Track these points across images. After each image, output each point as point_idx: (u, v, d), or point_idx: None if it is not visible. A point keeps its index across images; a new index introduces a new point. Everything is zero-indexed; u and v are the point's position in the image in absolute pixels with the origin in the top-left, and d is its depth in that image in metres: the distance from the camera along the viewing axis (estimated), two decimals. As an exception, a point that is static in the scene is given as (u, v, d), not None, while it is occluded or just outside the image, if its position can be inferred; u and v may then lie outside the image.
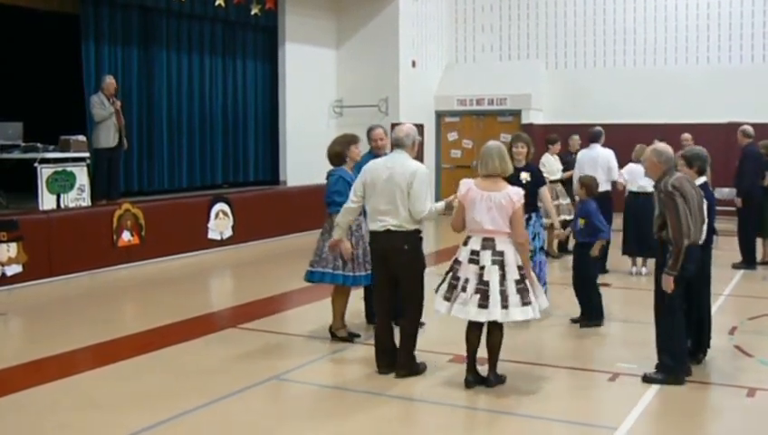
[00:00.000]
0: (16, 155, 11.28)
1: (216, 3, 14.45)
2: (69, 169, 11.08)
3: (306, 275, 7.47)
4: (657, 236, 6.25)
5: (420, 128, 13.43)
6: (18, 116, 12.12)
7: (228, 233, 13.37)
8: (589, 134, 11.58)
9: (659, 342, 6.30)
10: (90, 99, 11.87)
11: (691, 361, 6.51)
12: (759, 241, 11.57)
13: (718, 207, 7.46)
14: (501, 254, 5.95)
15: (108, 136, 11.66)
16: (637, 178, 10.46)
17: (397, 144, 6.43)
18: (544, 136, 13.39)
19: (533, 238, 7.99)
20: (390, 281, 6.41)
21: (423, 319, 6.84)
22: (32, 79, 14.78)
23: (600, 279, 9.90)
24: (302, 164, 15.65)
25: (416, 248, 6.38)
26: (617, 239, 10.94)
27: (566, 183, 12.02)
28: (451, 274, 6.11)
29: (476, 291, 5.92)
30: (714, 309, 7.53)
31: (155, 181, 13.96)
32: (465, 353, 6.23)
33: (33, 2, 12.70)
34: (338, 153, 7.36)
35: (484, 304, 5.89)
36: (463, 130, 18.83)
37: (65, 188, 11.00)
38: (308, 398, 6.14)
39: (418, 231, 6.39)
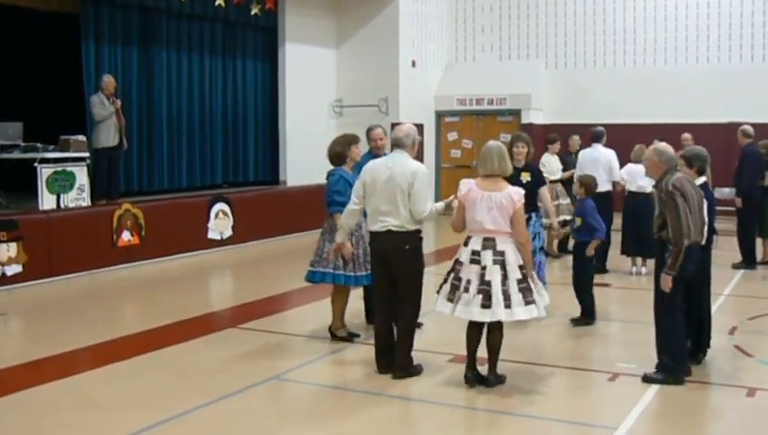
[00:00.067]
0: (16, 155, 11.28)
1: (216, 3, 14.45)
2: (69, 168, 11.08)
3: (307, 276, 7.47)
4: (657, 235, 6.26)
5: (420, 128, 13.40)
6: (18, 116, 12.11)
7: (228, 233, 13.37)
8: (591, 134, 11.58)
9: (659, 342, 6.30)
10: (90, 99, 11.87)
11: (691, 361, 6.51)
12: (759, 241, 11.58)
13: (718, 207, 7.46)
14: (502, 254, 5.95)
15: (108, 136, 11.66)
16: (636, 178, 10.48)
17: (397, 144, 6.43)
18: (544, 136, 13.38)
19: (533, 238, 7.97)
20: (390, 281, 6.40)
21: (420, 319, 6.84)
22: (32, 79, 14.77)
23: (600, 279, 9.96)
24: (302, 164, 15.65)
25: (416, 248, 6.38)
26: (617, 239, 10.97)
27: (566, 183, 12.02)
28: (453, 274, 6.11)
29: (479, 291, 5.92)
30: (714, 309, 7.54)
31: (155, 181, 13.96)
32: (464, 353, 6.22)
33: (33, 2, 12.70)
34: (338, 153, 7.35)
35: (487, 304, 5.89)
36: (463, 129, 18.83)
37: (65, 187, 11.00)
38: (308, 398, 6.15)
39: (419, 231, 6.39)
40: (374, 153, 7.59)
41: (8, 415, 5.67)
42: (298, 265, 8.02)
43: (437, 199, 11.24)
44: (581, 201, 8.38)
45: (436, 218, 6.61)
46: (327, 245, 7.27)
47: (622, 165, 11.08)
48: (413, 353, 6.47)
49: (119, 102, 11.80)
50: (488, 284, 5.90)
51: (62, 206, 10.95)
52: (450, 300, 6.07)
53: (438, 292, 6.20)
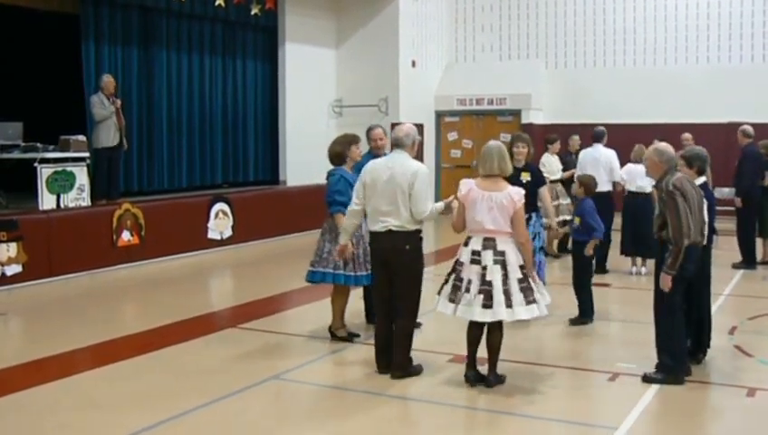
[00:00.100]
0: (16, 155, 11.28)
1: (216, 3, 14.45)
2: (69, 168, 11.08)
3: (307, 276, 7.47)
4: (658, 235, 6.26)
5: (420, 128, 13.42)
6: (18, 116, 12.12)
7: (228, 233, 13.37)
8: (592, 134, 11.57)
9: (659, 341, 6.30)
10: (90, 99, 11.88)
11: (691, 361, 6.51)
12: (759, 241, 11.58)
13: (718, 207, 7.46)
14: (502, 254, 5.95)
15: (108, 136, 11.66)
16: (635, 178, 10.48)
17: (397, 144, 6.42)
18: (544, 136, 13.38)
19: (534, 238, 7.97)
20: (390, 281, 6.40)
21: (420, 319, 6.83)
22: (32, 79, 14.78)
23: (600, 279, 9.97)
24: (302, 164, 15.66)
25: (417, 248, 6.38)
26: (617, 239, 10.97)
27: (566, 183, 12.02)
28: (454, 275, 6.11)
29: (480, 291, 5.92)
30: (714, 309, 7.54)
31: (155, 181, 13.96)
32: (464, 353, 6.23)
33: (33, 2, 12.71)
34: (338, 153, 7.35)
35: (488, 304, 5.89)
36: (463, 129, 18.83)
37: (65, 187, 11.00)
38: (308, 398, 6.14)
39: (419, 231, 6.38)
40: (374, 153, 7.60)
41: (8, 415, 5.67)
42: (298, 265, 8.02)
43: (437, 199, 11.21)
44: (581, 201, 8.39)
45: (437, 218, 6.59)
46: (327, 245, 7.27)
47: (622, 165, 11.08)
48: (413, 353, 6.47)
49: (119, 102, 11.80)
50: (489, 284, 5.90)
51: (61, 206, 10.95)
52: (452, 301, 6.07)
53: (439, 292, 6.20)
